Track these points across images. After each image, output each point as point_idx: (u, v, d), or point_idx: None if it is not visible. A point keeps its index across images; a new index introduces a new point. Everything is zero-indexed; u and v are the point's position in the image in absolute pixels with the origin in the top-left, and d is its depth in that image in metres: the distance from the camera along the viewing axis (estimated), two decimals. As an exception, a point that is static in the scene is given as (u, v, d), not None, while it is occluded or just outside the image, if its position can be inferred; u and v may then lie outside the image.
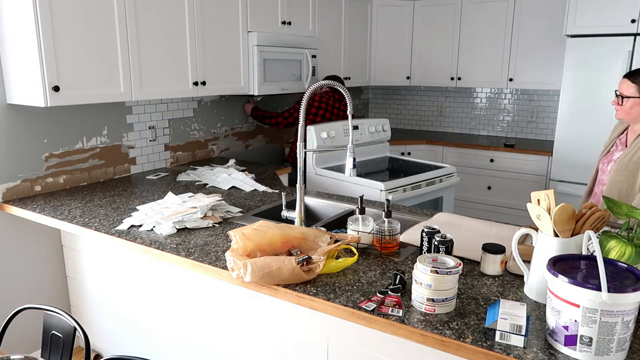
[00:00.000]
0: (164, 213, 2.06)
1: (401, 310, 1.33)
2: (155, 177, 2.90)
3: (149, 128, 3.07)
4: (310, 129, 3.20)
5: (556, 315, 1.15)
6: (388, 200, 1.78)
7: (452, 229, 1.95)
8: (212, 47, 3.00)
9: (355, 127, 3.40)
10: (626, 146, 2.22)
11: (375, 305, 1.36)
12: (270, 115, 3.67)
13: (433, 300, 1.31)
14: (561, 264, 1.22)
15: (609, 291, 1.06)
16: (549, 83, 4.16)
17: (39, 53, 2.14)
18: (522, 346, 1.17)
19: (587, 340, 1.11)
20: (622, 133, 2.29)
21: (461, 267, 1.34)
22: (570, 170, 3.80)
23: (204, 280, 2.02)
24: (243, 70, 3.25)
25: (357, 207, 1.80)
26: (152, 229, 1.97)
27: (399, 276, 1.48)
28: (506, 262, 1.59)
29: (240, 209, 2.25)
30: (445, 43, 4.62)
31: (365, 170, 3.35)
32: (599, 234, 1.39)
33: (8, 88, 2.34)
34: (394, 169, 3.47)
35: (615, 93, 2.18)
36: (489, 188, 4.33)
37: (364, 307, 1.35)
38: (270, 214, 2.25)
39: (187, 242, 1.84)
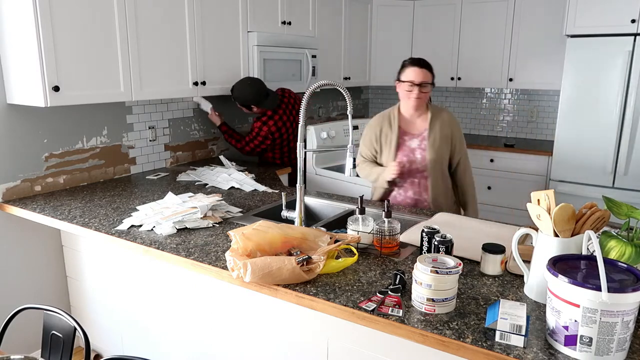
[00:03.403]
0: (164, 213, 2.06)
1: (401, 310, 1.33)
2: (155, 177, 2.90)
3: (149, 128, 3.07)
4: (310, 128, 3.20)
5: (556, 315, 1.15)
6: (388, 201, 1.78)
7: (452, 229, 1.95)
8: (212, 47, 3.00)
9: (356, 127, 3.40)
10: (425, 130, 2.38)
11: (375, 305, 1.36)
12: (237, 139, 3.31)
13: (433, 300, 1.31)
14: (561, 264, 1.22)
15: (609, 291, 1.06)
16: (549, 83, 4.16)
17: (39, 53, 2.14)
18: (522, 346, 1.17)
19: (587, 340, 1.11)
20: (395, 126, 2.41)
21: (461, 267, 1.34)
22: (570, 170, 3.80)
23: (204, 280, 2.02)
24: (243, 70, 3.25)
25: (357, 207, 1.79)
26: (152, 229, 1.97)
27: (399, 276, 1.48)
28: (506, 262, 1.59)
29: (240, 209, 2.25)
30: (445, 43, 4.62)
31: None
32: (599, 234, 1.39)
33: (8, 88, 2.34)
34: None
35: (415, 84, 2.27)
36: (489, 188, 4.33)
37: (364, 307, 1.35)
38: (270, 214, 2.25)
39: (187, 242, 1.84)
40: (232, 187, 2.64)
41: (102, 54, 2.39)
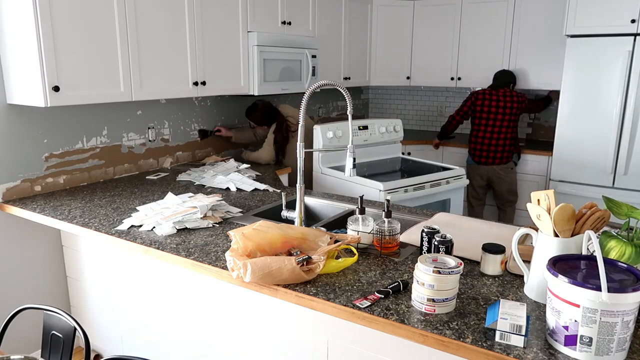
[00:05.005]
0: (164, 213, 2.06)
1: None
2: (155, 177, 2.90)
3: (149, 128, 3.07)
4: (317, 128, 3.21)
5: (556, 315, 1.15)
6: (388, 201, 1.78)
7: (452, 229, 1.95)
8: (212, 47, 3.00)
9: (365, 127, 3.40)
10: None
11: (370, 303, 1.36)
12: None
13: (433, 300, 1.31)
14: (561, 264, 1.22)
15: (609, 291, 1.06)
16: (549, 83, 4.16)
17: (39, 53, 2.14)
18: (522, 346, 1.17)
19: (587, 340, 1.11)
20: None
21: (462, 266, 1.34)
22: (570, 170, 3.80)
23: (204, 280, 2.02)
24: (243, 70, 3.25)
25: (357, 207, 1.79)
26: (152, 230, 1.97)
27: (400, 283, 1.47)
28: (506, 262, 1.59)
29: (240, 209, 2.25)
30: (445, 43, 4.62)
31: (374, 170, 3.34)
32: (599, 234, 1.39)
33: (8, 88, 2.34)
34: (402, 170, 3.47)
35: None
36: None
37: (358, 304, 1.35)
38: (270, 214, 2.25)
39: (187, 242, 1.84)
40: (232, 187, 2.64)
41: (102, 53, 2.39)
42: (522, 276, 1.55)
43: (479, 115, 3.92)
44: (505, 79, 4.01)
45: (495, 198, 4.17)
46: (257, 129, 3.56)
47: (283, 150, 3.38)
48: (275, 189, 2.62)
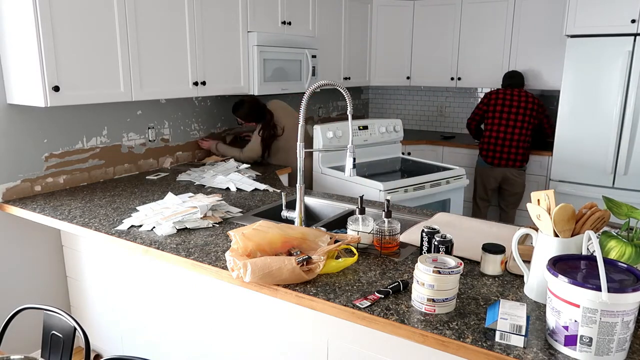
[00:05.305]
0: (164, 213, 2.06)
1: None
2: (155, 177, 2.90)
3: (149, 128, 3.07)
4: (317, 128, 3.21)
5: (556, 315, 1.15)
6: (388, 201, 1.78)
7: (452, 229, 1.95)
8: (212, 47, 3.00)
9: (365, 127, 3.40)
10: None
11: (369, 303, 1.36)
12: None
13: (433, 300, 1.31)
14: (561, 264, 1.22)
15: (609, 291, 1.06)
16: (549, 83, 4.16)
17: (39, 53, 2.14)
18: (522, 346, 1.17)
19: (587, 341, 1.11)
20: None
21: (462, 266, 1.34)
22: (570, 170, 3.80)
23: (204, 280, 2.02)
24: (243, 70, 3.25)
25: (357, 207, 1.79)
26: (152, 230, 1.97)
27: (400, 283, 1.47)
28: (506, 262, 1.59)
29: (240, 209, 2.25)
30: (445, 43, 4.62)
31: (374, 170, 3.34)
32: (599, 234, 1.39)
33: (8, 88, 2.34)
34: (402, 170, 3.47)
35: None
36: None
37: (358, 304, 1.35)
38: (270, 214, 2.25)
39: (187, 242, 1.84)
40: (232, 187, 2.64)
41: (102, 53, 2.39)
42: (522, 276, 1.55)
43: (492, 115, 3.91)
44: (519, 79, 3.99)
45: (501, 200, 4.16)
46: (244, 125, 3.52)
47: (269, 148, 3.36)
48: (275, 189, 2.62)
